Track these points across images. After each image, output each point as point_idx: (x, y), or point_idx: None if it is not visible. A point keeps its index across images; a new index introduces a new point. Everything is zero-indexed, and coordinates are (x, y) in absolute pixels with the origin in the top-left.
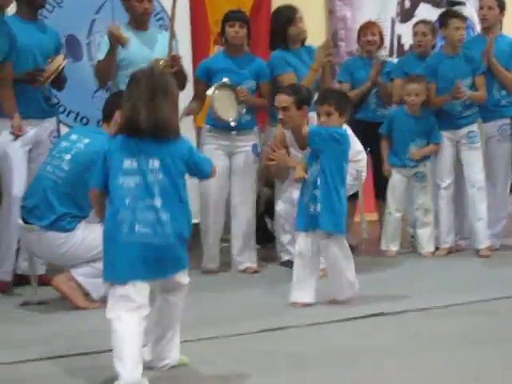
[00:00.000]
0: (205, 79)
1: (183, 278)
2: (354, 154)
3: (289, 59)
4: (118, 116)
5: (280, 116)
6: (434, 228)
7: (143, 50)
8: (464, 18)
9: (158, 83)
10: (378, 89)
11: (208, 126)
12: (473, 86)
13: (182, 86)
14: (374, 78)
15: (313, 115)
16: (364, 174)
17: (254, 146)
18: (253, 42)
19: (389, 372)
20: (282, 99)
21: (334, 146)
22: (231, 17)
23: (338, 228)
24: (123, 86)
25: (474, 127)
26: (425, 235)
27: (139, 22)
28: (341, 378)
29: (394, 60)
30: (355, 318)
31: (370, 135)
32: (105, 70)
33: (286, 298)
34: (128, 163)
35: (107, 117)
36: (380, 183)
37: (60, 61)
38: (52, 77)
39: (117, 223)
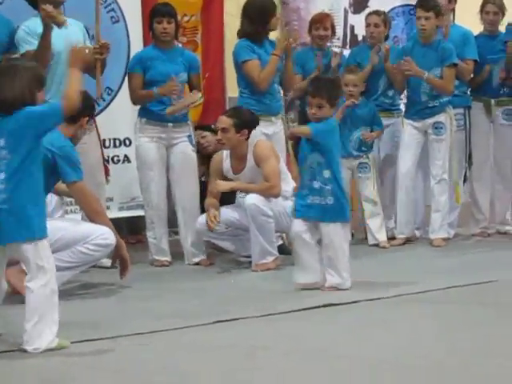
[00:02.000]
0: (140, 71)
1: (31, 253)
2: (289, 194)
3: (254, 48)
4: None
5: (218, 137)
6: (388, 218)
7: (66, 35)
8: (428, 8)
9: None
10: None
11: (144, 119)
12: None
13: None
14: (335, 70)
15: (253, 141)
16: None
17: (190, 137)
18: (205, 27)
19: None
20: (222, 120)
21: (334, 138)
22: (158, 12)
23: (347, 217)
24: (48, 80)
25: (441, 118)
26: (375, 225)
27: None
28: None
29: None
30: (307, 309)
31: None
32: (44, 58)
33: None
34: None
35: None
36: None
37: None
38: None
39: None
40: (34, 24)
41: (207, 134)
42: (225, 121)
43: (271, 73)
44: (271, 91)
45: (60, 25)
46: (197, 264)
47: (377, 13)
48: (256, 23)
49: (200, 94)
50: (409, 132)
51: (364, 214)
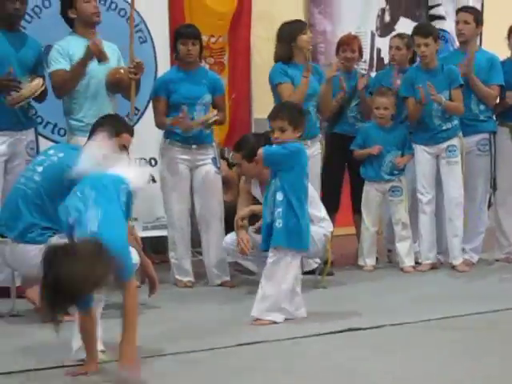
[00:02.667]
0: (164, 95)
1: None
2: (318, 219)
3: (288, 71)
4: (102, 137)
5: (234, 170)
6: (413, 242)
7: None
8: (426, 34)
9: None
10: (358, 102)
11: (168, 140)
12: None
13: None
14: (361, 92)
15: None
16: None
17: (214, 160)
18: (232, 48)
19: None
20: (234, 157)
21: (290, 161)
22: (183, 34)
23: (292, 244)
24: (81, 96)
25: (455, 141)
26: (404, 249)
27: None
28: None
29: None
30: (331, 333)
31: (347, 149)
32: (74, 82)
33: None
34: None
35: (91, 136)
36: (358, 198)
37: (38, 86)
38: (24, 102)
39: None
40: (67, 44)
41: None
42: (236, 157)
43: (301, 94)
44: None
45: (102, 60)
46: (220, 285)
47: (400, 36)
48: (286, 44)
49: (215, 112)
50: (424, 158)
51: (394, 237)
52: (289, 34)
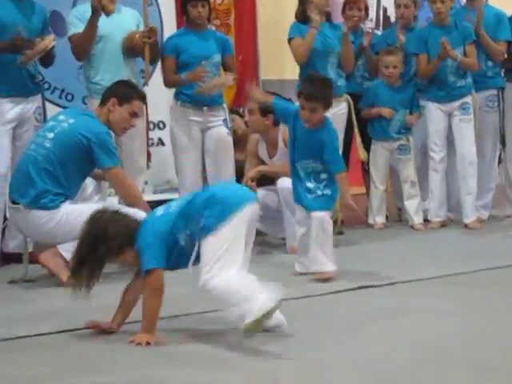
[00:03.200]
0: (174, 55)
1: None
2: None
3: (303, 29)
4: (112, 103)
5: (245, 118)
6: (422, 200)
7: (115, 19)
8: None
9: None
10: (365, 61)
11: (179, 103)
12: (464, 56)
13: (155, 59)
14: (366, 49)
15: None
16: None
17: (225, 121)
18: (238, 10)
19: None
20: (251, 104)
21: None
22: None
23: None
24: (97, 60)
25: (468, 99)
26: (413, 207)
27: None
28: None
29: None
30: (343, 291)
31: (355, 108)
32: (87, 42)
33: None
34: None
35: (102, 102)
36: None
37: (50, 41)
38: (37, 56)
39: None
40: (84, 9)
41: (236, 117)
42: (253, 105)
43: (306, 45)
44: (322, 71)
45: (108, 13)
46: None
47: None
48: (302, 5)
49: (232, 77)
50: (437, 115)
51: (397, 195)
52: None
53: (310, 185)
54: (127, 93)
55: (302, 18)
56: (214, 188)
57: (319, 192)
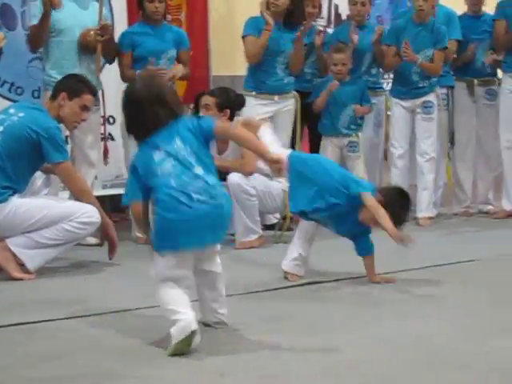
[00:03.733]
0: (130, 49)
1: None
2: None
3: (261, 24)
4: (62, 97)
5: (201, 114)
6: None
7: (77, 15)
8: None
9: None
10: (315, 59)
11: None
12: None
13: (111, 56)
14: (318, 48)
15: (235, 121)
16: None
17: None
18: (189, 6)
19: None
20: (207, 98)
21: None
22: None
23: None
24: (54, 52)
25: (431, 97)
26: None
27: None
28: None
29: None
30: (291, 287)
31: (305, 105)
32: (37, 35)
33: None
34: (157, 155)
35: (52, 96)
36: (316, 153)
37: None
38: None
39: (172, 200)
40: None
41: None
42: (209, 99)
43: (259, 47)
44: (271, 70)
45: (55, 7)
46: None
47: None
48: None
49: (181, 66)
50: (399, 112)
51: None
52: None
53: None
54: (77, 87)
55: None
56: None
57: None
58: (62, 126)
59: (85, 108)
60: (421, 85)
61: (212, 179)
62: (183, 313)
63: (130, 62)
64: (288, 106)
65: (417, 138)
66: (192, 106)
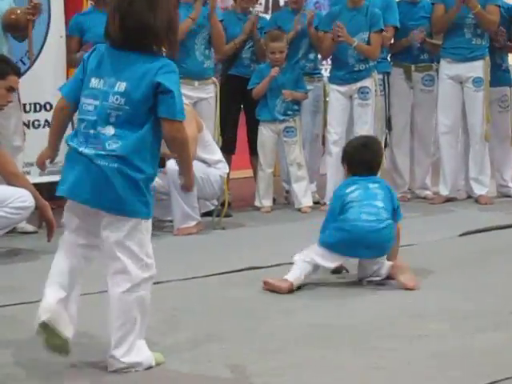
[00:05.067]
0: (78, 34)
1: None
2: (213, 161)
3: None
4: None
5: None
6: (310, 182)
7: None
8: None
9: None
10: (253, 44)
11: None
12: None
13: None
14: (248, 31)
15: None
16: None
17: None
18: None
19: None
20: None
21: None
22: None
23: None
24: None
25: (367, 82)
26: (300, 190)
27: None
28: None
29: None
30: (231, 272)
31: (243, 91)
32: None
33: None
34: (94, 82)
35: None
36: (254, 139)
37: None
38: None
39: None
40: None
41: None
42: None
43: (181, 33)
44: (189, 54)
45: None
46: None
47: None
48: None
49: None
50: (335, 97)
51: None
52: None
53: None
54: (1, 68)
55: None
56: None
57: None
58: None
59: (11, 89)
60: (356, 68)
61: (116, 145)
62: (45, 293)
63: (77, 47)
64: (209, 93)
65: (354, 124)
66: None
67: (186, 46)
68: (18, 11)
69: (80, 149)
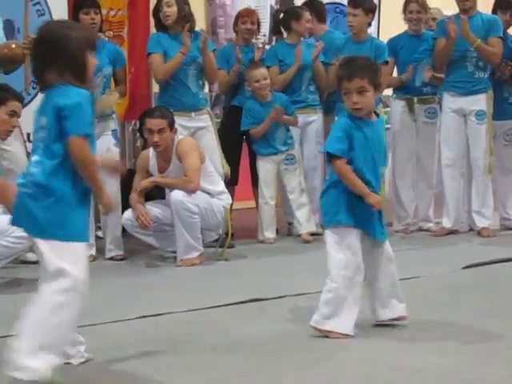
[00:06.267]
0: None
1: (45, 248)
2: (216, 192)
3: (162, 40)
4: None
5: (155, 139)
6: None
7: None
8: (355, 5)
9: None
10: None
11: None
12: None
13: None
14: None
15: (176, 138)
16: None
17: (115, 132)
18: (131, 22)
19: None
20: (158, 122)
21: None
22: (85, 3)
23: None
24: None
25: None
26: (303, 216)
27: None
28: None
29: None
30: (234, 304)
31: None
32: None
33: None
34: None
35: None
36: (256, 172)
37: None
38: None
39: None
40: None
41: None
42: (161, 122)
43: (169, 69)
44: (183, 86)
45: None
46: (111, 259)
47: (308, 9)
48: (153, 11)
49: (117, 95)
50: None
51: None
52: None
53: None
54: (1, 96)
55: (163, 27)
56: None
57: None
58: None
59: (14, 114)
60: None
61: (37, 171)
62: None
63: None
64: (205, 123)
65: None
66: (134, 123)
67: (180, 79)
68: (13, 45)
69: None
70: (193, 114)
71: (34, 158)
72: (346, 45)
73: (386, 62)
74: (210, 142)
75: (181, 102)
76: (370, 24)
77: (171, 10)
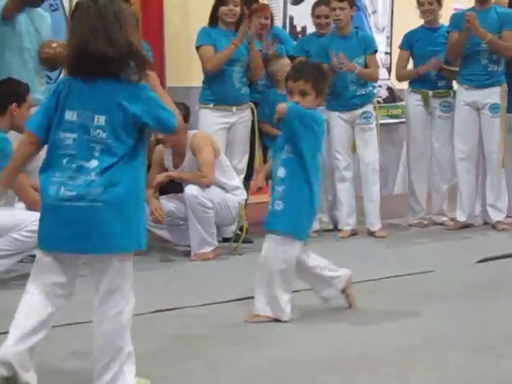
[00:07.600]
0: None
1: (118, 264)
2: (231, 187)
3: (212, 34)
4: (12, 108)
5: (161, 135)
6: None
7: (29, 27)
8: None
9: (107, 10)
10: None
11: None
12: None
13: None
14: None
15: (191, 133)
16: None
17: None
18: (144, 17)
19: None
20: None
21: (310, 133)
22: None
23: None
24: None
25: (369, 108)
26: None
27: None
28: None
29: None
30: (247, 298)
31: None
32: None
33: None
34: (69, 115)
35: (1, 110)
36: None
37: None
38: None
39: (48, 184)
40: None
41: None
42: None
43: (221, 59)
44: (226, 80)
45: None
46: None
47: (325, 3)
48: (214, 10)
49: None
50: (339, 124)
51: None
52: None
53: None
54: (19, 92)
55: (213, 23)
56: None
57: None
58: None
59: (31, 107)
60: (358, 93)
61: (101, 181)
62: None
63: None
64: (245, 117)
65: (358, 150)
66: None
67: (224, 73)
68: (54, 44)
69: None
70: (234, 108)
71: (92, 163)
72: (331, 41)
73: (375, 52)
74: (243, 135)
75: (222, 96)
76: (352, 17)
77: (238, 10)
